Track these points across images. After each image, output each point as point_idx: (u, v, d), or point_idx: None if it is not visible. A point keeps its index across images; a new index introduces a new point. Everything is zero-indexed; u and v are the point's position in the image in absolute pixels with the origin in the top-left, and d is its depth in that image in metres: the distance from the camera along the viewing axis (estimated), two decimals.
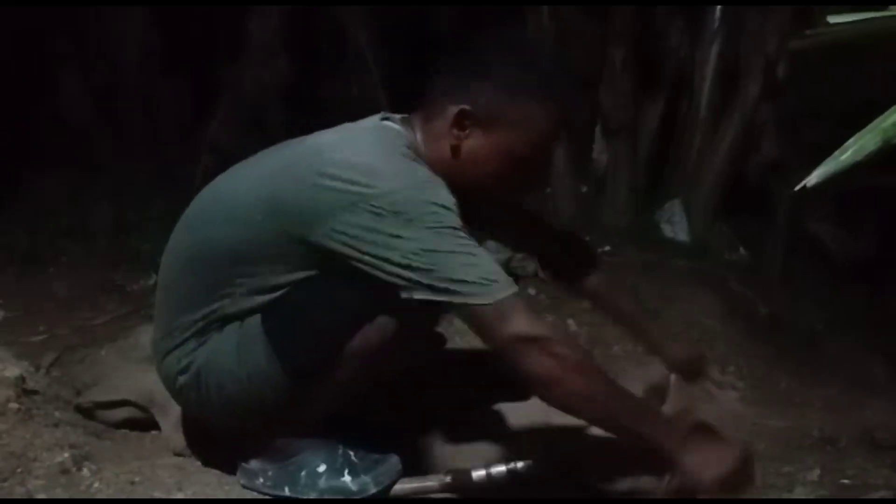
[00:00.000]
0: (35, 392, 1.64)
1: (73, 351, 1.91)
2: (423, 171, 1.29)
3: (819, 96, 2.70)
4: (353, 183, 1.24)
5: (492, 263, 1.24)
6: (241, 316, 1.34)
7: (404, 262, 1.21)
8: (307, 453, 1.39)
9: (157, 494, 1.38)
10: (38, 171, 3.01)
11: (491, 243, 2.42)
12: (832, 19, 1.11)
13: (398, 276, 1.22)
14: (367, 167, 1.26)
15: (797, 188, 0.99)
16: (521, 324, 1.21)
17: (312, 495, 1.36)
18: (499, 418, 1.72)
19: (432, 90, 1.36)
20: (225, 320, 1.35)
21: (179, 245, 1.42)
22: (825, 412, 1.84)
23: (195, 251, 1.38)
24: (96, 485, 1.38)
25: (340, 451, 1.39)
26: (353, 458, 1.39)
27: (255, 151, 1.45)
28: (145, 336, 1.69)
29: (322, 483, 1.37)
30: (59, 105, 3.23)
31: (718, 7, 2.77)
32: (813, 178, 0.98)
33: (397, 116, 1.39)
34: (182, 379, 1.40)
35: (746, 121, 2.79)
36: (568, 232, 1.74)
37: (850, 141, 0.99)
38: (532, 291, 2.40)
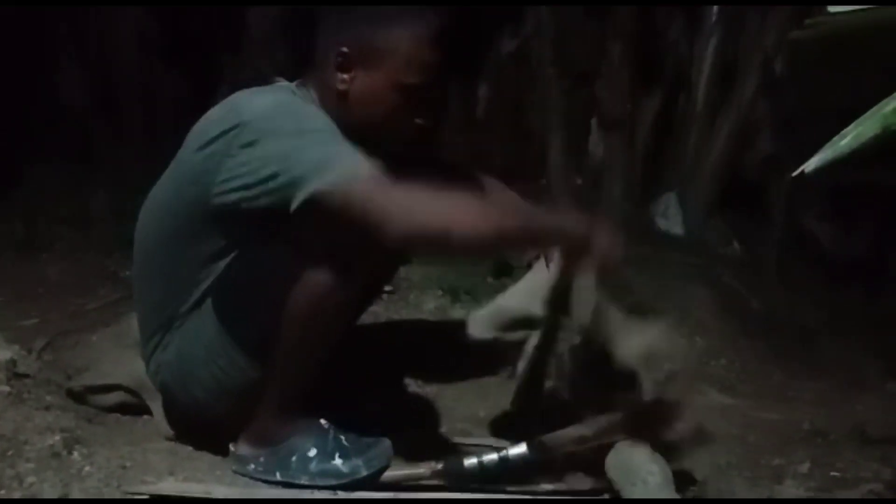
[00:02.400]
0: (26, 376, 1.64)
1: (65, 336, 1.91)
2: (292, 98, 1.37)
3: (816, 93, 2.70)
4: (225, 132, 1.31)
5: (351, 149, 1.28)
6: (197, 302, 1.40)
7: (275, 172, 1.26)
8: (298, 438, 1.39)
9: (149, 479, 1.39)
10: (35, 159, 3.01)
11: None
12: (833, 9, 1.11)
13: (272, 190, 1.26)
14: (233, 110, 1.34)
15: (795, 174, 0.99)
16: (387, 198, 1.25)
17: (303, 479, 1.37)
18: (490, 405, 1.73)
19: (315, 51, 1.43)
20: (184, 313, 1.41)
21: (137, 260, 1.51)
22: (816, 406, 1.85)
23: (145, 262, 1.48)
24: (87, 468, 1.38)
25: (331, 436, 1.40)
26: (344, 441, 1.39)
27: None
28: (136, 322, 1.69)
29: (313, 467, 1.37)
30: (58, 93, 3.22)
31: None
32: (811, 165, 0.98)
33: (284, 79, 1.46)
34: (160, 380, 1.49)
35: (743, 116, 2.79)
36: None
37: (850, 127, 0.98)
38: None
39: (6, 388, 1.58)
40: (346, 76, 1.39)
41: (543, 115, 2.96)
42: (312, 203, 1.24)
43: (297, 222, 1.27)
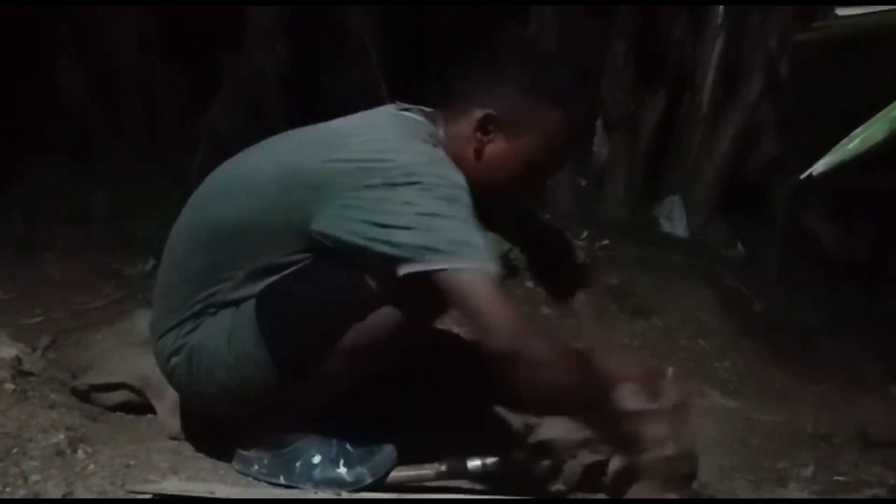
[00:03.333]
0: (31, 374, 1.64)
1: (68, 334, 1.91)
2: (442, 154, 1.31)
3: (820, 94, 2.70)
4: (368, 161, 1.26)
5: (489, 244, 1.24)
6: (238, 300, 1.33)
7: (409, 224, 1.21)
8: (302, 443, 1.38)
9: (152, 478, 1.38)
10: (36, 157, 3.01)
11: (489, 234, 2.43)
12: (841, 12, 1.11)
13: (397, 243, 1.20)
14: (384, 147, 1.28)
15: (803, 176, 0.98)
16: (500, 302, 1.20)
17: (308, 486, 1.37)
18: (493, 406, 1.73)
19: (455, 91, 1.38)
20: (222, 304, 1.34)
21: (191, 225, 1.41)
22: (819, 409, 1.85)
23: (207, 230, 1.37)
24: (91, 467, 1.38)
25: (335, 442, 1.39)
26: (347, 447, 1.38)
27: (253, 139, 1.44)
28: (141, 320, 1.68)
29: (317, 474, 1.37)
30: (58, 90, 3.22)
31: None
32: (819, 167, 0.98)
33: (416, 108, 1.40)
34: (174, 360, 1.40)
35: (747, 118, 2.79)
36: (564, 242, 1.71)
37: (858, 130, 0.98)
38: (530, 284, 2.40)
39: (11, 386, 1.57)
40: (485, 137, 1.35)
41: None
42: (429, 276, 1.19)
43: (400, 283, 1.22)
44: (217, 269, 1.34)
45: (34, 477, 1.32)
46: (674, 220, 2.85)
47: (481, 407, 1.71)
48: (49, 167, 3.00)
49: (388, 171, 1.24)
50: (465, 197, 1.25)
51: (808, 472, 1.56)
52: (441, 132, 1.37)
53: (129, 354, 1.65)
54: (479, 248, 1.21)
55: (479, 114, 1.34)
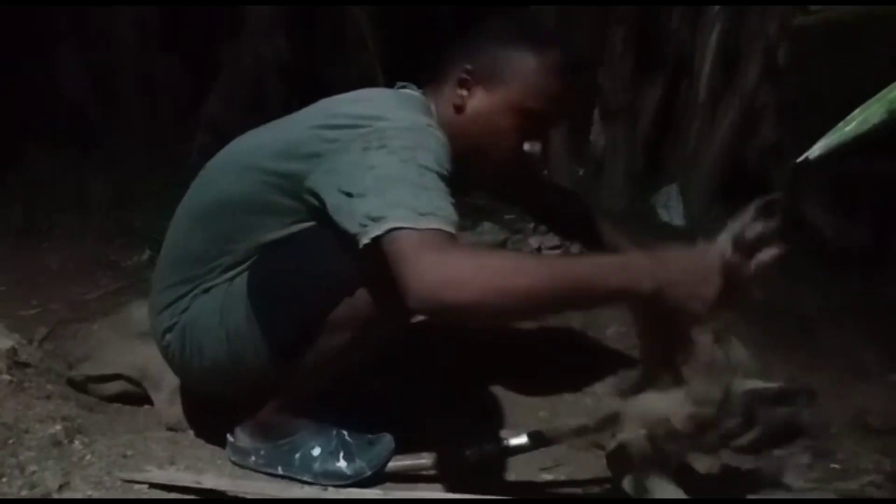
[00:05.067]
0: (27, 365, 1.64)
1: (65, 325, 1.91)
2: (430, 122, 1.29)
3: (819, 81, 2.69)
4: (356, 126, 1.24)
5: (445, 202, 1.17)
6: (233, 276, 1.34)
7: (365, 191, 1.17)
8: (301, 434, 1.38)
9: (150, 468, 1.39)
10: (35, 147, 3.00)
11: (487, 224, 2.43)
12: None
13: (352, 212, 1.16)
14: (370, 112, 1.27)
15: (799, 160, 0.98)
16: (426, 256, 1.10)
17: (307, 478, 1.37)
18: (490, 394, 1.73)
19: (440, 63, 1.39)
20: (218, 279, 1.35)
21: (193, 202, 1.42)
22: (817, 397, 1.84)
23: (207, 205, 1.38)
24: (88, 457, 1.39)
25: (335, 433, 1.39)
26: (347, 439, 1.38)
27: (252, 129, 1.44)
28: (138, 310, 1.69)
29: (317, 467, 1.37)
30: (57, 80, 3.21)
31: None
32: (816, 150, 0.97)
33: (411, 84, 1.41)
34: (168, 337, 1.41)
35: (745, 105, 2.78)
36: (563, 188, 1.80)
37: (855, 112, 0.97)
38: None
39: (7, 377, 1.58)
40: (464, 92, 1.35)
41: None
42: (378, 244, 1.13)
43: (362, 255, 1.17)
44: (217, 243, 1.34)
45: (31, 467, 1.33)
46: (671, 209, 2.84)
47: (480, 395, 1.71)
48: (47, 157, 2.99)
49: (366, 136, 1.22)
50: (437, 162, 1.21)
51: (806, 459, 1.56)
52: (432, 106, 1.37)
53: (126, 345, 1.65)
54: (430, 210, 1.13)
55: (456, 72, 1.35)
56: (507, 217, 2.58)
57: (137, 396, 1.61)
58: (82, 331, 1.83)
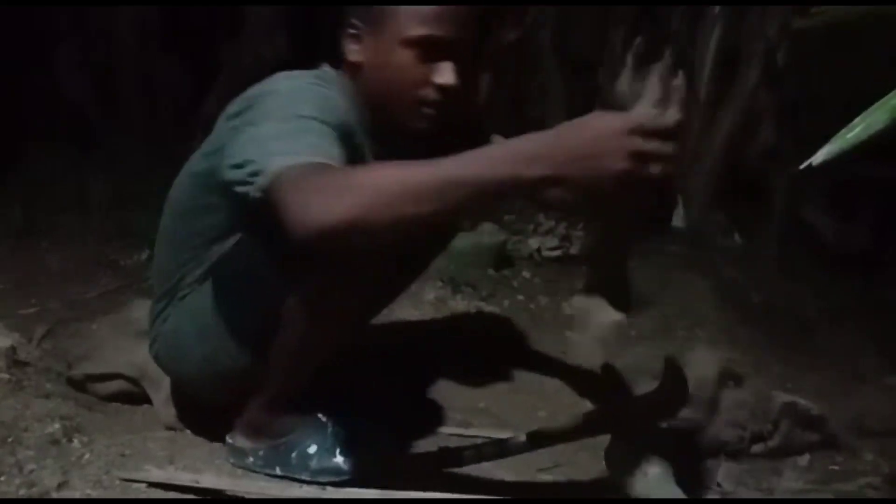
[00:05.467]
0: (26, 363, 1.65)
1: (65, 324, 1.91)
2: (317, 82, 1.30)
3: (819, 84, 2.69)
4: (247, 109, 1.27)
5: (323, 140, 1.15)
6: (200, 281, 1.38)
7: (243, 161, 1.17)
8: (297, 433, 1.38)
9: (149, 467, 1.39)
10: (35, 146, 3.00)
11: (486, 224, 2.43)
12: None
13: (241, 180, 1.16)
14: (264, 88, 1.29)
15: (803, 166, 0.98)
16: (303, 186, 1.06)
17: (304, 476, 1.36)
18: (489, 395, 1.73)
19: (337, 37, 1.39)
20: (186, 288, 1.39)
21: (163, 217, 1.48)
22: (816, 398, 1.84)
23: (167, 218, 1.45)
24: (87, 456, 1.39)
25: (330, 430, 1.39)
26: (343, 436, 1.38)
27: None
28: (138, 310, 1.69)
29: (314, 464, 1.36)
30: (57, 80, 3.21)
31: None
32: (819, 157, 0.97)
33: (328, 64, 1.40)
34: (155, 347, 1.47)
35: (745, 106, 2.78)
36: None
37: (858, 119, 0.97)
38: (527, 274, 2.40)
39: (6, 376, 1.58)
40: (356, 47, 1.35)
41: (545, 104, 2.96)
42: (267, 196, 1.10)
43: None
44: (181, 252, 1.39)
45: (29, 466, 1.33)
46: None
47: (478, 394, 1.71)
48: (47, 157, 2.99)
49: (252, 112, 1.25)
50: (317, 110, 1.21)
51: (804, 460, 1.56)
52: (346, 79, 1.36)
53: (124, 344, 1.65)
54: (305, 150, 1.11)
55: (347, 32, 1.35)
56: (506, 218, 2.58)
57: (136, 396, 1.61)
58: (81, 330, 1.84)
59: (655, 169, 0.99)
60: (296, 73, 1.36)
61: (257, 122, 1.22)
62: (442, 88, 1.31)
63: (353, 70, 1.36)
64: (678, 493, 1.31)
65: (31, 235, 2.55)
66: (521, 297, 2.28)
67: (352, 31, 1.36)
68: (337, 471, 1.36)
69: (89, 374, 1.63)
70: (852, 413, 1.78)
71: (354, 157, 1.24)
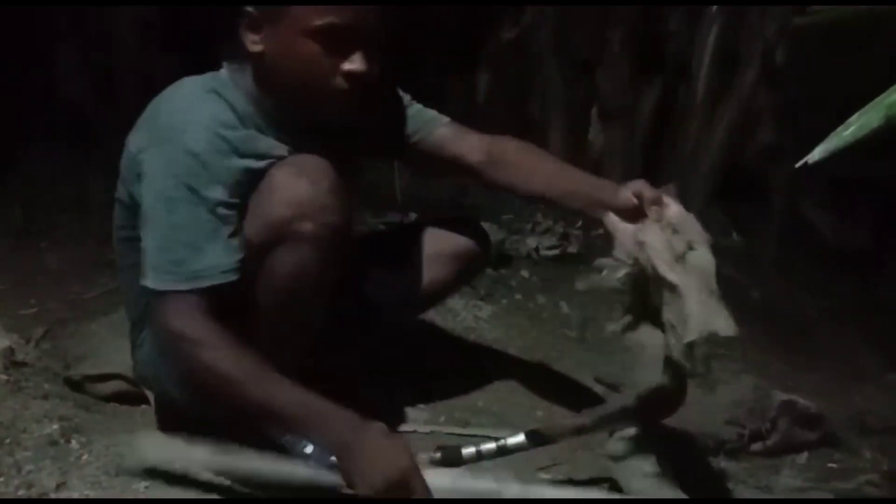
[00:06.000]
0: (24, 364, 1.65)
1: (63, 324, 1.90)
2: (192, 115, 1.28)
3: (818, 82, 2.69)
4: (148, 149, 1.29)
5: (194, 248, 1.23)
6: None
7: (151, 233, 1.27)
8: (290, 437, 1.34)
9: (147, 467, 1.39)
10: (34, 146, 3.00)
11: (485, 224, 2.42)
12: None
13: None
14: (157, 128, 1.31)
15: (799, 164, 0.98)
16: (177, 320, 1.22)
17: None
18: (488, 394, 1.73)
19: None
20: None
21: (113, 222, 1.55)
22: (815, 396, 1.84)
23: (115, 227, 1.53)
24: (85, 457, 1.39)
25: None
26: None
27: None
28: None
29: (312, 464, 1.34)
30: (57, 80, 3.20)
31: None
32: (815, 155, 0.97)
33: (228, 63, 1.38)
34: (139, 373, 1.51)
35: (744, 106, 2.78)
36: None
37: (854, 117, 0.97)
38: (525, 273, 2.40)
39: (4, 377, 1.58)
40: (256, 37, 1.30)
41: (544, 104, 2.96)
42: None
43: None
44: (135, 280, 1.35)
45: (28, 467, 1.33)
46: None
47: (477, 394, 1.71)
48: (47, 157, 2.99)
49: (148, 166, 1.28)
50: (186, 176, 1.23)
51: (803, 458, 1.56)
52: (248, 75, 1.34)
53: (123, 345, 1.64)
54: (172, 269, 1.23)
55: (244, 21, 1.31)
56: (504, 217, 2.58)
57: (134, 396, 1.60)
58: (80, 330, 1.83)
59: None
60: (187, 87, 1.35)
61: (148, 192, 1.27)
62: (352, 76, 1.28)
63: (256, 61, 1.32)
64: (678, 493, 1.31)
65: (30, 235, 2.54)
66: (518, 297, 2.28)
67: (248, 21, 1.31)
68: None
69: (88, 374, 1.63)
70: (851, 411, 1.78)
71: (257, 155, 1.28)
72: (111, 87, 3.26)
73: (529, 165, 1.47)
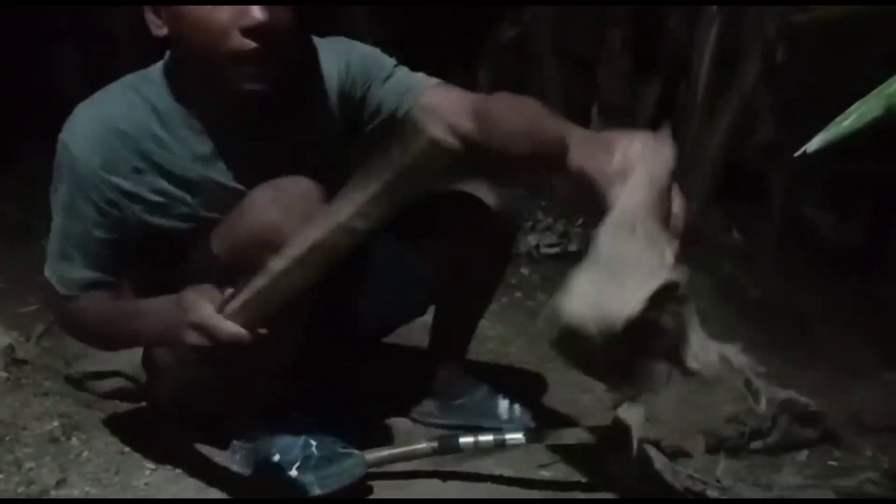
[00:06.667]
0: (24, 362, 1.65)
1: None
2: (95, 115, 1.25)
3: (817, 81, 2.69)
4: (54, 168, 1.28)
5: (66, 257, 1.25)
6: None
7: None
8: (265, 440, 1.35)
9: (147, 465, 1.39)
10: (32, 145, 2.99)
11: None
12: None
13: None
14: (60, 146, 1.27)
15: (797, 153, 0.97)
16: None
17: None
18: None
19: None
20: None
21: None
22: (814, 395, 1.85)
23: None
24: (85, 454, 1.39)
25: (301, 443, 1.33)
26: (313, 451, 1.32)
27: None
28: None
29: (277, 473, 1.32)
30: (54, 78, 3.20)
31: None
32: (814, 144, 0.96)
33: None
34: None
35: (743, 105, 2.78)
36: None
37: (853, 107, 0.96)
38: (525, 271, 2.40)
39: (4, 374, 1.58)
40: (159, 20, 1.21)
41: (544, 102, 2.95)
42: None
43: None
44: None
45: (28, 464, 1.33)
46: None
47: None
48: (46, 154, 2.98)
49: (53, 182, 1.28)
50: (69, 192, 1.23)
51: (803, 456, 1.56)
52: (165, 65, 1.27)
53: None
54: (54, 273, 1.26)
55: (147, 9, 1.22)
56: None
57: (134, 393, 1.61)
58: None
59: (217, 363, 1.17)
60: (113, 84, 1.29)
61: (52, 205, 1.27)
62: (251, 31, 1.14)
63: (166, 47, 1.24)
64: (677, 491, 1.31)
65: (29, 233, 2.54)
66: (518, 294, 2.28)
67: (150, 5, 1.21)
68: (293, 484, 1.30)
69: (88, 371, 1.63)
70: (851, 409, 1.78)
71: (171, 157, 1.23)
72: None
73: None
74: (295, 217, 1.12)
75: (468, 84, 1.39)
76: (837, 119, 0.96)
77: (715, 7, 2.77)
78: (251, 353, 1.10)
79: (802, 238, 2.76)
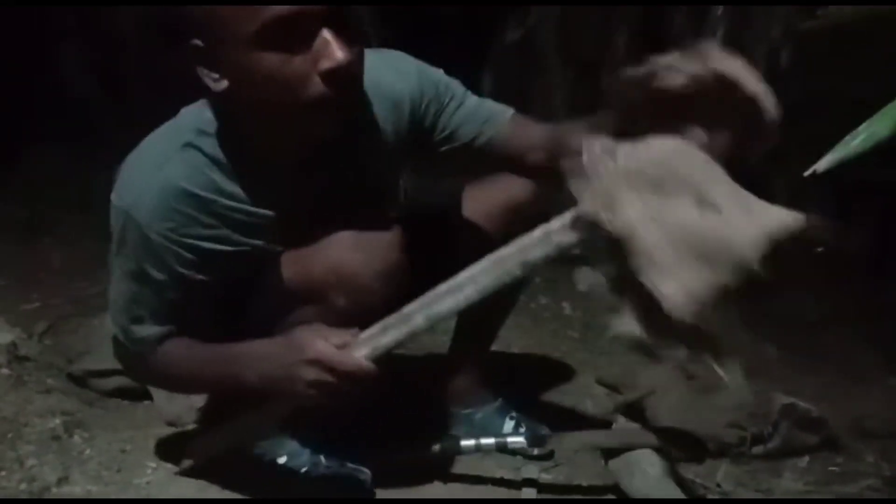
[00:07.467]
0: (27, 359, 1.65)
1: (66, 320, 1.91)
2: (156, 180, 1.18)
3: (822, 86, 2.69)
4: (113, 233, 1.28)
5: (135, 318, 1.27)
6: None
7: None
8: (274, 442, 1.36)
9: (149, 463, 1.39)
10: (37, 143, 3.00)
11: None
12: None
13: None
14: (118, 187, 1.27)
15: (807, 173, 0.98)
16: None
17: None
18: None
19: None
20: None
21: None
22: (817, 400, 1.84)
23: None
24: (88, 451, 1.39)
25: (309, 453, 1.34)
26: (321, 460, 1.33)
27: None
28: None
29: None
30: (60, 77, 3.21)
31: None
32: (822, 164, 0.97)
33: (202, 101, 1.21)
34: None
35: None
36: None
37: (862, 127, 0.97)
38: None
39: (7, 372, 1.58)
40: (215, 73, 1.08)
41: (548, 104, 2.96)
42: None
43: None
44: None
45: (30, 461, 1.33)
46: None
47: None
48: (51, 154, 3.00)
49: (113, 245, 1.29)
50: (133, 259, 1.24)
51: (804, 462, 1.56)
52: (210, 109, 1.17)
53: None
54: (120, 327, 1.30)
55: (191, 57, 1.09)
56: None
57: (137, 392, 1.61)
58: (83, 326, 1.84)
59: (334, 399, 1.13)
60: (157, 144, 1.22)
61: (111, 250, 1.29)
62: (334, 74, 1.03)
63: (228, 101, 1.11)
64: (678, 493, 1.31)
65: (33, 232, 2.55)
66: (521, 297, 2.28)
67: (196, 55, 1.08)
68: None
69: (90, 369, 1.64)
70: (853, 415, 1.78)
71: (242, 206, 1.18)
72: (115, 85, 3.26)
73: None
74: (375, 263, 1.16)
75: (472, 85, 1.39)
76: (846, 138, 0.97)
77: (720, 10, 2.77)
78: (371, 384, 1.12)
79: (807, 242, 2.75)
